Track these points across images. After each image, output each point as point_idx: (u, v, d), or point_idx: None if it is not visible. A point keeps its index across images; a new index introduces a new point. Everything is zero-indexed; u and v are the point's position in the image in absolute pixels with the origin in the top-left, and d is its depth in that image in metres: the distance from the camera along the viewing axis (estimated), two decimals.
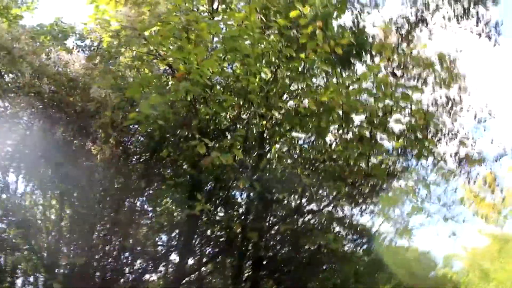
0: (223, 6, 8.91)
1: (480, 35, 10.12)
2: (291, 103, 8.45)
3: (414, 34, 9.96)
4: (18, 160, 8.73)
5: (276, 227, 9.61)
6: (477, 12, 10.03)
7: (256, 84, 7.49)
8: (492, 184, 13.68)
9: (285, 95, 8.79)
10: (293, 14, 7.91)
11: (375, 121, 7.99)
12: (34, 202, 9.14)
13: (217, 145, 7.32)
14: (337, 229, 10.32)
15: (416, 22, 10.15)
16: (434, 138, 8.27)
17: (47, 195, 9.15)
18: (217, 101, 7.36)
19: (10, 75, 9.08)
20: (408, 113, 7.84)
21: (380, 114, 7.90)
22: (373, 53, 8.79)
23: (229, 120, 8.11)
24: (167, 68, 7.59)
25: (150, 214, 9.63)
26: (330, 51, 7.89)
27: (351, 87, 8.03)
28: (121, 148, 8.37)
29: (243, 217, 9.50)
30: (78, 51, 11.08)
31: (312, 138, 9.06)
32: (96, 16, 9.49)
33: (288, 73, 8.58)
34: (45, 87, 8.74)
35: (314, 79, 8.82)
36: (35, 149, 8.56)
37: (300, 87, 8.70)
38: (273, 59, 8.40)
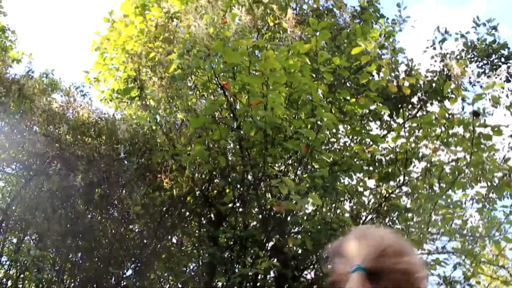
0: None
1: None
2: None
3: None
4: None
5: None
6: (508, 67, 9.92)
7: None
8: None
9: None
10: (355, 50, 7.33)
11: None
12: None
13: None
14: None
15: (446, 76, 9.89)
16: None
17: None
18: (290, 137, 6.42)
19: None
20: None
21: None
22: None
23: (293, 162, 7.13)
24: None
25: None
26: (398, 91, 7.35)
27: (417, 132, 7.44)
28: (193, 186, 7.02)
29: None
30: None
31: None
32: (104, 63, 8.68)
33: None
34: (63, 130, 7.48)
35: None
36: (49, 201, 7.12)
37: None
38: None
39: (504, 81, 10.03)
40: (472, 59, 10.04)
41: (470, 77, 10.17)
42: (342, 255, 1.44)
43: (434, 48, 10.01)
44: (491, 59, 9.99)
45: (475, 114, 7.22)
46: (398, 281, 1.36)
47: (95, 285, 7.09)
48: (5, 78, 7.58)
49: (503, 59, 9.92)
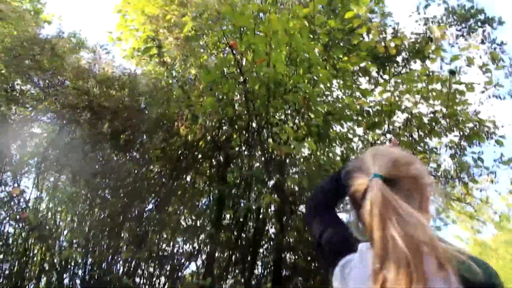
0: None
1: (486, 52, 11.04)
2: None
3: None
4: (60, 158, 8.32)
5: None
6: (484, 31, 10.98)
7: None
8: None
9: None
10: (348, 14, 8.33)
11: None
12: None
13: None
14: None
15: (428, 38, 10.93)
16: None
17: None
18: (290, 91, 7.51)
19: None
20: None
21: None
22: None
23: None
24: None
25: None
26: (385, 51, 8.39)
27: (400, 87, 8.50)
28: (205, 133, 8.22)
29: None
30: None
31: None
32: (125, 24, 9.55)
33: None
34: (91, 84, 8.51)
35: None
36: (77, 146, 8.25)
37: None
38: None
39: (479, 43, 11.11)
40: (452, 23, 11.09)
41: (449, 39, 11.25)
42: (361, 168, 1.60)
43: (418, 13, 11.08)
44: (469, 23, 11.05)
45: (452, 72, 8.31)
46: (410, 186, 1.54)
47: (121, 217, 8.28)
48: (39, 38, 8.54)
49: (479, 23, 10.98)
